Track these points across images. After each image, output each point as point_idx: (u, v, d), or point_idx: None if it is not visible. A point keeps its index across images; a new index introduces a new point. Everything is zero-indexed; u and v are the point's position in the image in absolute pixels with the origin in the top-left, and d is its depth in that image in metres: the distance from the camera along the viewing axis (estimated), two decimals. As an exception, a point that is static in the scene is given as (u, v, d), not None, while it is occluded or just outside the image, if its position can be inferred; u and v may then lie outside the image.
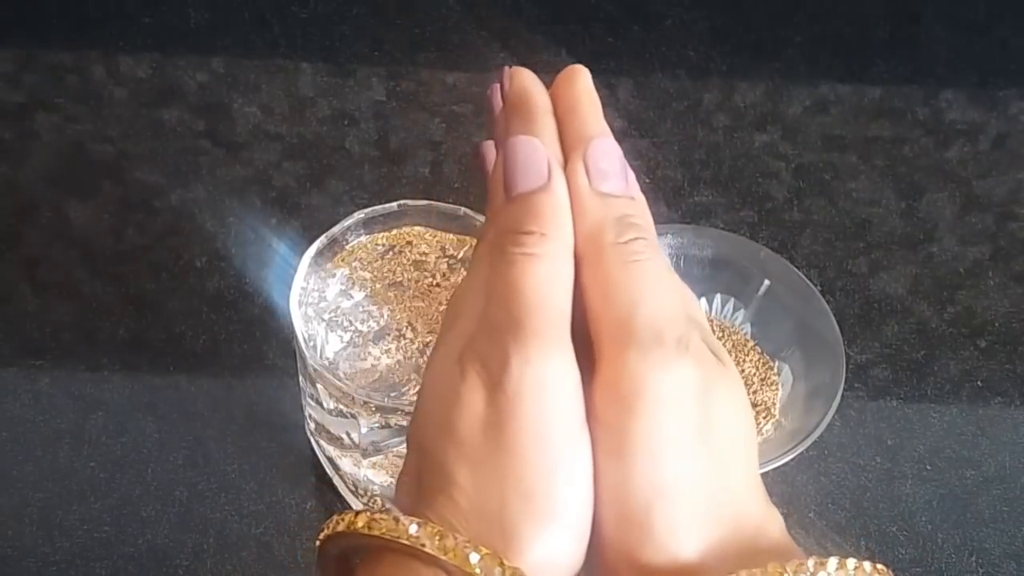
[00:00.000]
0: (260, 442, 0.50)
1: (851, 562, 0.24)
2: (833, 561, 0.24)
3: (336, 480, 0.48)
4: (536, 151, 0.29)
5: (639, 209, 0.29)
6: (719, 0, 0.70)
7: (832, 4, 0.70)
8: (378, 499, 0.47)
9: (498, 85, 0.32)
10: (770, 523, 0.26)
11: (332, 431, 0.44)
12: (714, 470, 0.26)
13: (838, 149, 0.64)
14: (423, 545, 0.24)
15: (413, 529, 0.24)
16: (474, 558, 0.24)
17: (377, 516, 0.25)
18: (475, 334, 0.27)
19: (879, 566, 0.25)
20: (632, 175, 0.30)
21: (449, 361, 0.27)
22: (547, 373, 0.25)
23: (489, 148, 0.33)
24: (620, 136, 0.31)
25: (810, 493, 0.50)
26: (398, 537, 0.24)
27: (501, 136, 0.31)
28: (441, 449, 0.26)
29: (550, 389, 0.25)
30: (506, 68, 0.32)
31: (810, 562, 0.24)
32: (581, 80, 0.31)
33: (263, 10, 0.68)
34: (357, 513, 0.26)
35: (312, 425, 0.47)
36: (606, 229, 0.28)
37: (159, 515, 0.48)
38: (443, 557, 0.24)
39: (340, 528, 0.26)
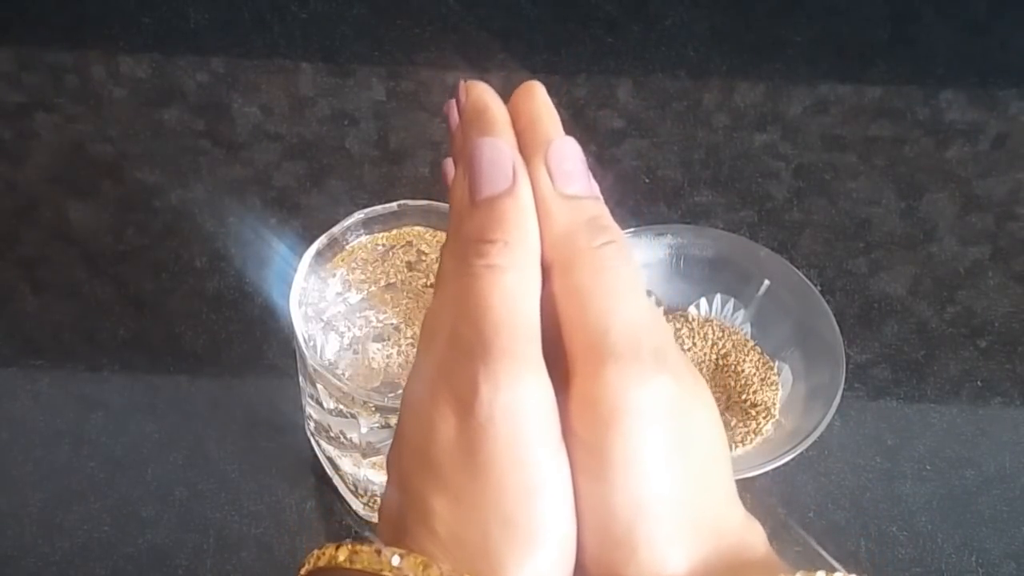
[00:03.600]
0: (260, 442, 0.50)
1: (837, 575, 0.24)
2: (820, 575, 0.24)
3: (336, 480, 0.48)
4: (501, 153, 0.28)
5: (606, 210, 0.28)
6: (719, 0, 0.70)
7: (832, 4, 0.70)
8: (378, 499, 0.47)
9: (454, 100, 0.31)
10: (752, 536, 0.26)
11: (332, 431, 0.44)
12: (695, 485, 0.25)
13: (838, 149, 0.64)
14: None
15: (395, 560, 0.24)
16: None
17: (358, 549, 0.25)
18: (444, 357, 0.26)
19: None
20: (591, 175, 0.29)
21: (421, 386, 0.26)
22: (518, 395, 0.25)
23: (450, 165, 0.32)
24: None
25: (810, 493, 0.50)
26: (381, 570, 0.24)
27: (459, 150, 0.30)
28: (418, 478, 0.25)
29: (522, 412, 0.25)
30: (461, 82, 0.31)
31: (798, 575, 0.24)
32: (539, 94, 0.30)
33: (263, 10, 0.68)
34: (338, 546, 0.25)
35: (312, 425, 0.47)
36: (577, 234, 0.27)
37: (159, 515, 0.48)
38: None
39: (321, 563, 0.25)
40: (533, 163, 0.28)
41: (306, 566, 0.26)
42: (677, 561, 0.24)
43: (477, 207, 0.27)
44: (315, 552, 0.26)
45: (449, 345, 0.26)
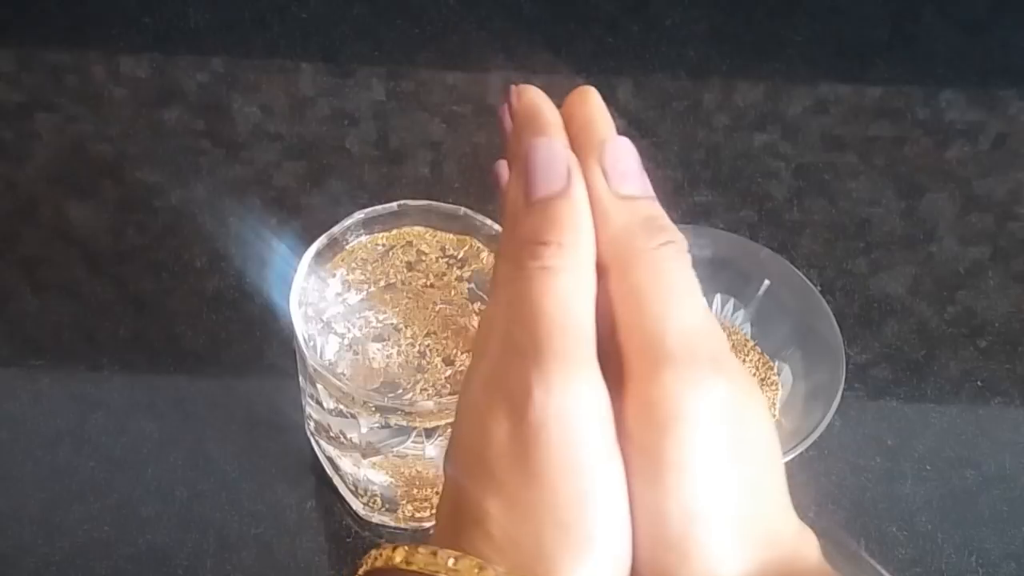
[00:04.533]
0: (260, 442, 0.50)
1: None
2: None
3: (336, 480, 0.48)
4: (556, 153, 0.28)
5: (662, 210, 0.28)
6: (719, 0, 0.70)
7: (832, 4, 0.70)
8: (378, 499, 0.47)
9: (506, 105, 0.31)
10: (805, 545, 0.26)
11: (332, 431, 0.44)
12: (750, 492, 0.25)
13: (838, 149, 0.64)
14: None
15: (451, 562, 0.24)
16: None
17: (415, 550, 0.25)
18: (497, 360, 0.26)
19: None
20: (646, 175, 0.29)
21: (475, 389, 0.26)
22: (571, 399, 0.25)
23: (503, 167, 0.32)
24: (615, 131, 0.31)
25: (810, 493, 0.50)
26: (437, 571, 0.24)
27: (513, 153, 0.30)
28: (473, 481, 0.25)
29: (575, 415, 0.25)
30: (512, 87, 0.31)
31: None
32: (593, 97, 0.30)
33: (263, 10, 0.68)
34: (395, 548, 0.25)
35: (312, 425, 0.47)
36: (634, 234, 0.27)
37: (159, 515, 0.48)
38: None
39: (379, 564, 0.25)
40: (588, 164, 0.28)
41: (364, 566, 0.26)
42: (730, 568, 0.24)
43: (531, 208, 0.27)
44: (372, 553, 0.26)
45: (502, 348, 0.26)
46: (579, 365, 0.25)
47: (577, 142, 0.29)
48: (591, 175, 0.28)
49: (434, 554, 0.24)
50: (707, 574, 0.24)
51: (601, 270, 0.27)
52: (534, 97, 0.30)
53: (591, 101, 0.30)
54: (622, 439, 0.25)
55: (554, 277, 0.26)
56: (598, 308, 0.27)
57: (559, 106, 0.30)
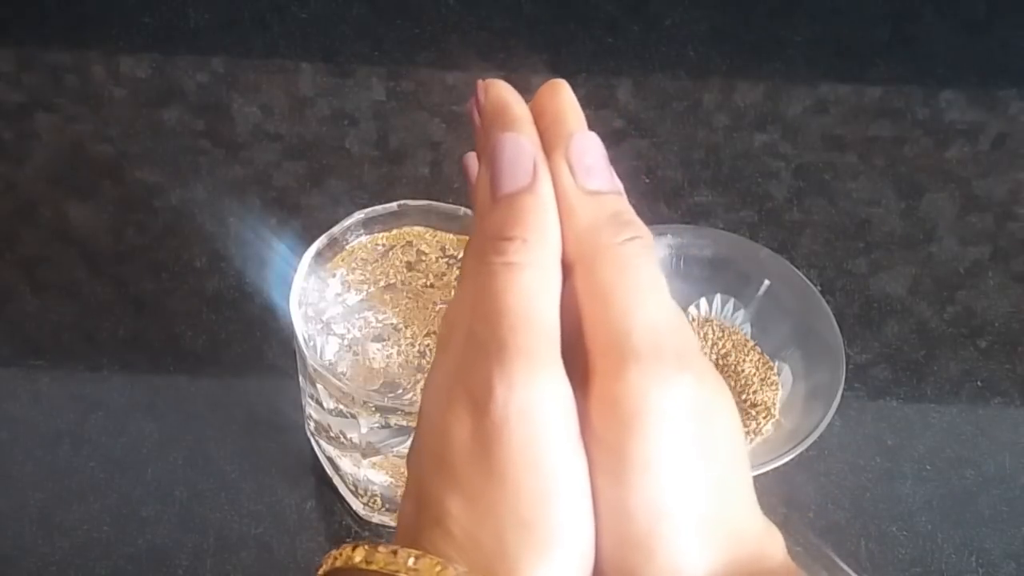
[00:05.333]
0: (260, 442, 0.50)
1: None
2: None
3: (336, 480, 0.48)
4: (522, 148, 0.27)
5: (628, 206, 0.28)
6: (719, 0, 0.70)
7: (832, 4, 0.70)
8: (378, 499, 0.47)
9: (475, 100, 0.31)
10: (771, 543, 0.26)
11: (332, 431, 0.44)
12: (716, 490, 0.25)
13: (838, 149, 0.64)
14: None
15: (411, 562, 0.24)
16: None
17: (375, 549, 0.24)
18: (460, 356, 0.26)
19: None
20: (613, 170, 0.28)
21: (438, 386, 0.26)
22: (534, 396, 0.24)
23: (472, 159, 0.31)
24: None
25: (810, 493, 0.50)
26: (397, 571, 0.24)
27: (481, 148, 0.29)
28: (434, 479, 0.25)
29: (538, 412, 0.24)
30: (479, 81, 0.31)
31: None
32: (563, 91, 0.30)
33: (263, 10, 0.68)
34: (355, 547, 0.25)
35: (312, 425, 0.47)
36: (600, 229, 0.27)
37: (159, 515, 0.48)
38: None
39: (338, 564, 0.25)
40: (554, 158, 0.28)
41: (323, 567, 0.26)
42: (695, 566, 0.24)
43: (497, 204, 0.27)
44: (332, 553, 0.26)
45: (465, 344, 0.26)
46: (542, 362, 0.25)
47: (546, 136, 0.29)
48: (557, 170, 0.27)
49: (394, 553, 0.24)
50: (672, 572, 0.24)
51: (567, 266, 0.27)
52: (502, 91, 0.30)
53: (561, 95, 0.29)
54: (586, 436, 0.25)
55: (518, 273, 0.26)
56: (564, 304, 0.26)
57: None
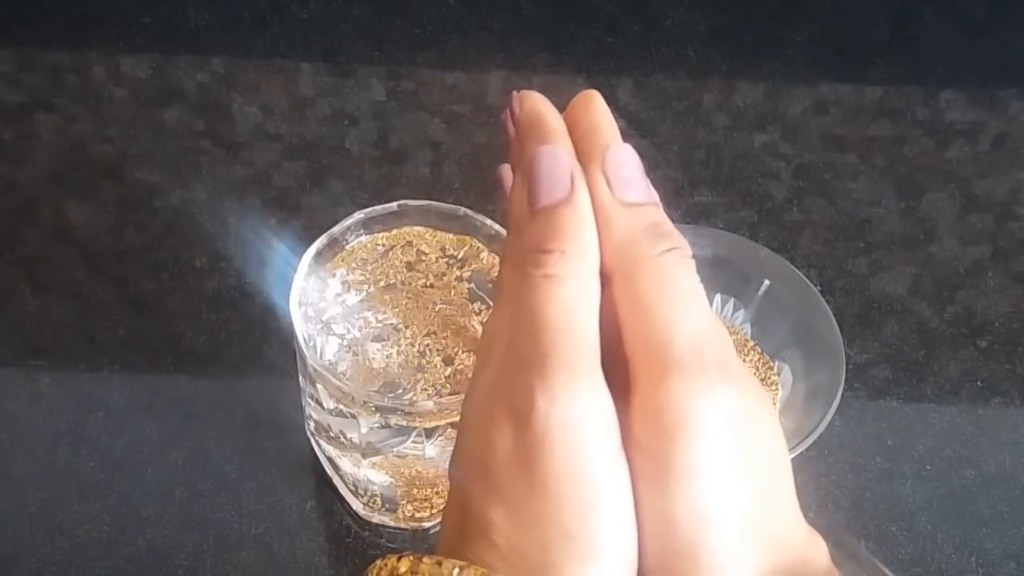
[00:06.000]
0: (260, 442, 0.50)
1: None
2: None
3: (336, 480, 0.48)
4: (559, 161, 0.28)
5: (665, 216, 0.28)
6: (719, 0, 0.70)
7: (832, 4, 0.70)
8: (378, 499, 0.47)
9: (509, 111, 0.31)
10: (814, 551, 0.26)
11: (332, 431, 0.44)
12: (759, 498, 0.25)
13: (838, 149, 0.64)
14: None
15: (456, 572, 0.24)
16: None
17: (419, 560, 0.25)
18: (502, 369, 0.26)
19: None
20: (649, 182, 0.29)
21: (479, 398, 0.26)
22: (575, 407, 0.24)
23: (507, 171, 0.32)
24: (620, 136, 0.31)
25: (810, 493, 0.50)
26: None
27: (516, 159, 0.29)
28: (477, 490, 0.25)
29: (580, 424, 0.24)
30: (515, 93, 0.31)
31: None
32: (597, 102, 0.30)
33: (263, 10, 0.68)
34: (400, 557, 0.25)
35: (312, 425, 0.47)
36: (638, 241, 0.27)
37: (159, 515, 0.48)
38: None
39: (384, 573, 0.25)
40: (591, 171, 0.28)
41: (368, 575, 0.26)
42: (740, 574, 0.24)
43: (535, 217, 0.27)
44: (377, 563, 0.26)
45: (506, 357, 0.26)
46: (583, 373, 0.25)
47: (581, 148, 0.29)
48: (594, 182, 0.28)
49: (439, 564, 0.24)
50: None
51: (605, 278, 0.27)
52: (537, 103, 0.30)
53: (595, 106, 0.30)
54: (629, 446, 0.25)
55: (558, 285, 0.26)
56: (603, 316, 0.26)
57: (562, 109, 0.30)
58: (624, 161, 0.28)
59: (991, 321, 0.57)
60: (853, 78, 0.67)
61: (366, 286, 0.45)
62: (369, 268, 0.45)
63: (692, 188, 0.61)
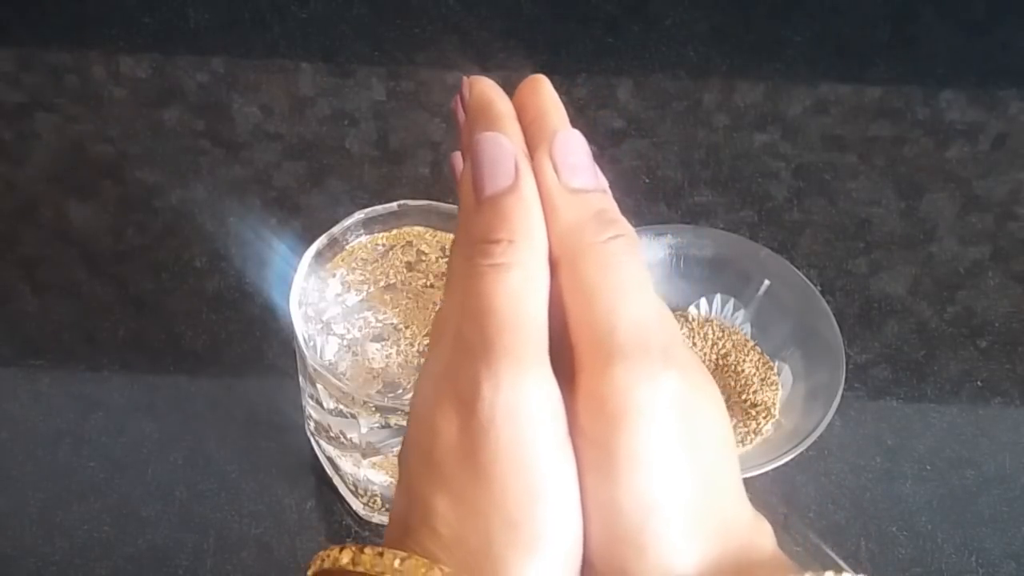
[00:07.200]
0: (260, 442, 0.50)
1: None
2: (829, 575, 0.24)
3: (336, 480, 0.48)
4: (502, 148, 0.27)
5: (613, 203, 0.28)
6: (719, 0, 0.70)
7: (832, 4, 0.70)
8: (378, 499, 0.47)
9: (459, 97, 0.31)
10: (761, 535, 0.26)
11: (332, 431, 0.44)
12: (704, 484, 0.25)
13: (838, 149, 0.64)
14: None
15: (397, 563, 0.24)
16: None
17: (361, 550, 0.25)
18: (449, 358, 0.26)
19: None
20: (598, 168, 0.28)
21: (427, 387, 0.26)
22: (521, 396, 0.24)
23: (458, 158, 0.31)
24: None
25: (810, 493, 0.50)
26: (383, 572, 0.24)
27: (466, 146, 0.29)
28: (422, 479, 0.25)
29: (525, 412, 0.24)
30: (464, 78, 0.31)
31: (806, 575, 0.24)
32: (544, 87, 0.30)
33: (263, 10, 0.68)
34: (342, 548, 0.25)
35: (312, 425, 0.47)
36: (584, 228, 0.27)
37: (159, 515, 0.48)
38: None
39: (326, 565, 0.25)
40: (538, 157, 0.28)
41: (312, 568, 0.26)
42: (686, 560, 0.24)
43: (481, 206, 0.27)
44: (320, 554, 0.26)
45: (453, 345, 0.26)
46: (529, 362, 0.25)
47: (529, 134, 0.29)
48: (541, 168, 0.27)
49: (380, 554, 0.24)
50: (663, 566, 0.24)
51: (552, 264, 0.27)
52: (486, 89, 0.30)
53: (543, 91, 0.29)
54: (574, 434, 0.25)
55: (505, 274, 0.26)
56: (550, 303, 0.26)
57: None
58: (572, 147, 0.28)
59: (991, 321, 0.57)
60: (853, 78, 0.67)
61: (366, 286, 0.45)
62: (369, 268, 0.45)
63: (692, 188, 0.61)
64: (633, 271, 0.26)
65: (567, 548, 0.25)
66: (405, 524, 0.26)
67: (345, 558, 0.25)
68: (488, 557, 0.24)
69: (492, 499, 0.24)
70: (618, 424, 0.24)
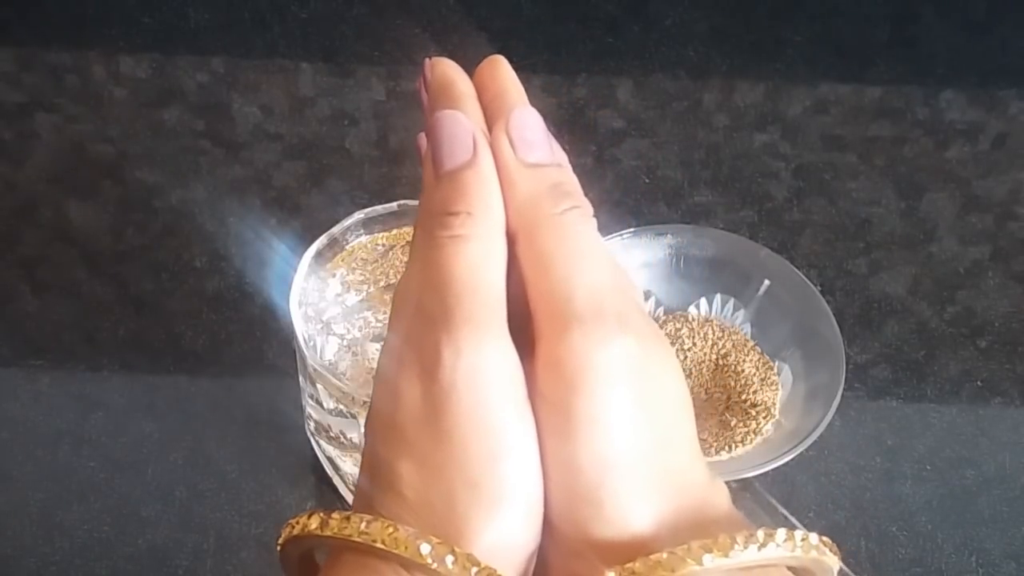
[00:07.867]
0: (260, 442, 0.50)
1: (799, 533, 0.25)
2: (782, 532, 0.24)
3: (336, 480, 0.48)
4: (460, 124, 0.28)
5: (569, 176, 0.29)
6: (719, 0, 0.70)
7: (832, 4, 0.70)
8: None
9: (422, 78, 0.32)
10: (717, 495, 0.27)
11: (332, 431, 0.44)
12: (660, 443, 0.26)
13: (838, 149, 0.64)
14: (375, 541, 0.24)
15: (363, 526, 0.25)
16: (425, 548, 0.24)
17: (328, 515, 0.25)
18: (410, 326, 0.27)
19: (824, 538, 0.25)
20: (555, 142, 0.29)
21: (390, 356, 0.27)
22: (480, 360, 0.25)
23: (424, 139, 0.32)
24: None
25: (810, 493, 0.50)
26: (350, 535, 0.25)
27: (428, 126, 0.30)
28: (387, 445, 0.26)
29: (485, 376, 0.25)
30: (427, 60, 0.32)
31: (760, 532, 0.24)
32: (502, 68, 0.31)
33: (263, 10, 0.68)
34: (310, 515, 0.26)
35: (312, 425, 0.47)
36: (539, 201, 0.27)
37: (159, 515, 0.48)
38: (395, 551, 0.24)
39: (296, 532, 0.26)
40: (495, 133, 0.29)
41: (282, 536, 0.27)
42: (642, 516, 0.25)
43: (440, 180, 0.28)
44: (289, 522, 0.26)
45: (415, 315, 0.27)
46: (488, 328, 0.26)
47: (488, 112, 0.30)
48: (498, 144, 0.28)
49: (347, 519, 0.25)
50: (620, 522, 0.25)
51: (510, 237, 0.28)
52: (447, 69, 0.31)
53: (501, 70, 0.30)
54: (534, 398, 0.26)
55: (464, 245, 0.27)
56: (509, 274, 0.27)
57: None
58: (527, 123, 0.29)
59: (991, 321, 0.57)
60: (853, 78, 0.67)
61: (366, 286, 0.45)
62: (369, 268, 0.45)
63: (692, 188, 0.61)
64: (588, 240, 0.27)
65: (528, 507, 0.25)
66: (371, 490, 0.26)
67: (314, 523, 0.25)
68: (452, 517, 0.25)
69: (454, 461, 0.25)
70: (575, 386, 0.25)
